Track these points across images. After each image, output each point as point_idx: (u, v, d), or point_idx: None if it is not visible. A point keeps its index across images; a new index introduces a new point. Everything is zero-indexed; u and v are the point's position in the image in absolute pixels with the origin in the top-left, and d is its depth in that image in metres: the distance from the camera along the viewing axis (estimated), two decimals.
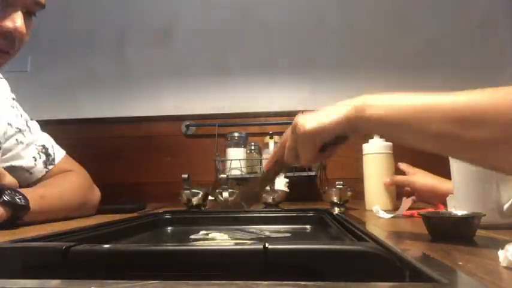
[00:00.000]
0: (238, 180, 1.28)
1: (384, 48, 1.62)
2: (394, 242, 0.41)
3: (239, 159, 1.41)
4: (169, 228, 0.92)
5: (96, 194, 0.95)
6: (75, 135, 1.63)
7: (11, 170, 0.81)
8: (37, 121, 0.94)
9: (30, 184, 0.82)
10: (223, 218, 0.90)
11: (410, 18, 1.63)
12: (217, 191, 1.06)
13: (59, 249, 0.38)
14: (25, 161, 0.83)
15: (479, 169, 0.54)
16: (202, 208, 1.02)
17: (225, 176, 1.08)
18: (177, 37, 1.69)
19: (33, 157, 0.84)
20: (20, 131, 0.84)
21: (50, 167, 0.86)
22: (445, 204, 0.72)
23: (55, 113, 1.65)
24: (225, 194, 1.04)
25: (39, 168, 0.85)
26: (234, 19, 1.68)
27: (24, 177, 0.83)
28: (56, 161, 0.88)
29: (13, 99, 0.88)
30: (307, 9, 1.66)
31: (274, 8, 1.67)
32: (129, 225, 0.78)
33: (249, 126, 1.58)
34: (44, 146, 0.87)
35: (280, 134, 1.49)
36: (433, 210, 0.63)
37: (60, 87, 1.69)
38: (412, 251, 0.36)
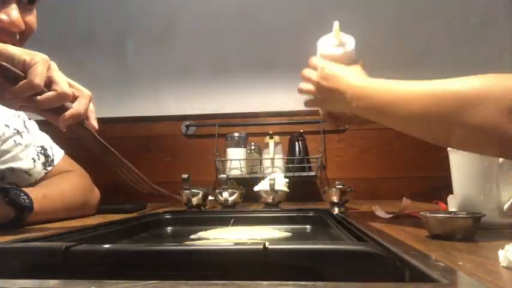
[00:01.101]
0: (238, 180, 1.28)
1: (383, 48, 1.62)
2: (394, 242, 0.41)
3: (239, 159, 1.41)
4: (169, 228, 0.92)
5: (96, 194, 0.95)
6: (76, 135, 1.63)
7: (10, 171, 0.81)
8: (38, 121, 0.94)
9: (29, 186, 0.82)
10: (223, 218, 0.90)
11: (410, 18, 1.63)
12: (217, 191, 1.06)
13: (59, 249, 0.38)
14: (24, 163, 0.82)
15: (479, 169, 0.54)
16: (202, 208, 1.02)
17: (225, 176, 1.08)
18: (177, 37, 1.69)
19: (32, 158, 0.84)
20: (17, 132, 0.83)
21: (49, 168, 0.86)
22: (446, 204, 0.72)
23: None
24: (225, 194, 1.04)
25: (38, 169, 0.84)
26: (234, 19, 1.68)
27: (23, 178, 0.82)
28: (55, 162, 0.88)
29: None
30: (307, 9, 1.66)
31: (274, 8, 1.67)
32: (129, 225, 0.78)
33: (249, 126, 1.58)
34: (42, 147, 0.87)
35: (280, 134, 1.49)
36: (434, 210, 0.63)
37: None
38: (412, 251, 0.36)
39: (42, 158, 0.85)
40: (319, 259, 0.36)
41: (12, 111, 0.85)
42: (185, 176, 0.98)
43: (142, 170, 1.64)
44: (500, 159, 0.53)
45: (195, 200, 1.01)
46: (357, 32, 1.69)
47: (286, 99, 1.62)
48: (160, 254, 0.38)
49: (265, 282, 0.27)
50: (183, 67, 1.68)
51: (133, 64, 1.70)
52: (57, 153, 0.90)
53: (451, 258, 0.34)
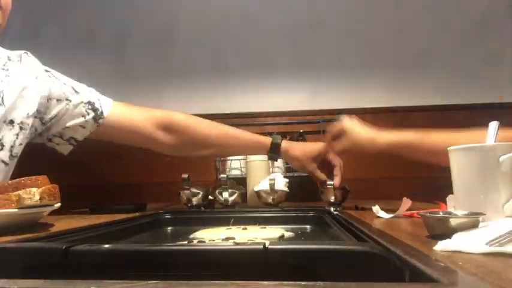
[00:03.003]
0: (238, 180, 1.28)
1: (383, 48, 1.62)
2: (394, 242, 0.41)
3: (239, 159, 1.41)
4: (169, 228, 0.92)
5: None
6: None
7: (68, 129, 0.88)
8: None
9: (87, 137, 0.91)
10: (223, 218, 0.90)
11: (410, 18, 1.63)
12: (217, 191, 1.06)
13: (59, 249, 0.38)
14: (76, 121, 0.88)
15: (479, 169, 0.54)
16: (202, 208, 1.02)
17: (225, 176, 1.08)
18: (177, 37, 1.69)
19: (82, 115, 0.89)
20: (66, 98, 0.88)
21: (100, 121, 0.91)
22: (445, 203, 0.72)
23: None
24: (225, 194, 1.04)
25: (90, 123, 0.90)
26: (234, 19, 1.68)
27: (80, 132, 0.90)
28: (105, 114, 0.92)
29: (46, 71, 0.90)
30: (307, 9, 1.66)
31: (274, 8, 1.67)
32: (129, 225, 0.78)
33: (249, 126, 1.58)
34: (89, 102, 0.91)
35: (280, 134, 1.49)
36: (434, 210, 0.63)
37: None
38: (412, 251, 0.36)
39: (92, 113, 0.90)
40: (319, 259, 0.36)
41: (54, 80, 0.90)
42: (185, 176, 0.99)
43: (142, 170, 1.65)
44: (501, 159, 0.53)
45: (195, 200, 1.01)
46: (357, 31, 1.70)
47: (286, 99, 1.62)
48: (160, 254, 0.38)
49: (265, 282, 0.27)
50: (183, 67, 1.68)
51: (134, 64, 1.70)
52: (105, 104, 0.93)
53: (451, 258, 0.34)
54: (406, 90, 1.57)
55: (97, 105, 0.92)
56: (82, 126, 0.90)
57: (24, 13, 1.73)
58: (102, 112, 0.92)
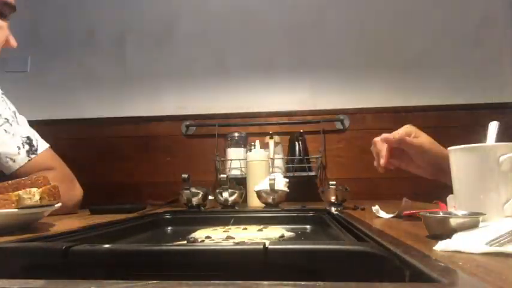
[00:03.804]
0: (238, 180, 1.28)
1: (384, 48, 1.62)
2: (394, 242, 0.41)
3: (239, 159, 1.41)
4: (169, 228, 0.92)
5: (77, 192, 0.99)
6: (75, 135, 1.64)
7: None
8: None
9: (12, 173, 0.89)
10: (223, 218, 0.90)
11: (410, 18, 1.63)
12: (217, 191, 1.06)
13: (59, 249, 0.38)
14: (10, 149, 0.90)
15: (479, 169, 0.54)
16: (202, 208, 1.02)
17: (225, 176, 1.08)
18: (177, 37, 1.69)
19: (17, 146, 0.91)
20: (7, 121, 0.91)
21: (32, 156, 0.93)
22: (445, 203, 0.72)
23: (55, 113, 1.65)
24: (225, 194, 1.04)
25: (22, 156, 0.91)
26: (234, 19, 1.68)
27: (8, 164, 0.90)
28: (39, 152, 0.94)
29: (1, 94, 0.94)
30: (307, 9, 1.66)
31: (274, 8, 1.67)
32: (129, 225, 0.78)
33: (249, 126, 1.58)
34: (28, 137, 0.94)
35: (280, 134, 1.49)
36: (434, 210, 0.63)
37: (60, 87, 1.69)
38: (412, 251, 0.36)
39: (27, 147, 0.93)
40: (319, 259, 0.36)
41: (3, 103, 0.93)
42: (185, 176, 0.98)
43: (142, 170, 1.65)
44: (501, 159, 0.53)
45: (195, 200, 1.00)
46: (357, 31, 1.70)
47: (286, 99, 1.62)
48: (160, 254, 0.38)
49: (265, 282, 0.27)
50: (183, 67, 1.68)
51: (133, 64, 1.70)
52: (42, 145, 0.96)
53: (451, 258, 0.34)
54: (406, 90, 1.57)
55: (34, 143, 0.95)
56: (12, 158, 0.91)
57: (24, 13, 1.73)
58: (36, 149, 0.94)
